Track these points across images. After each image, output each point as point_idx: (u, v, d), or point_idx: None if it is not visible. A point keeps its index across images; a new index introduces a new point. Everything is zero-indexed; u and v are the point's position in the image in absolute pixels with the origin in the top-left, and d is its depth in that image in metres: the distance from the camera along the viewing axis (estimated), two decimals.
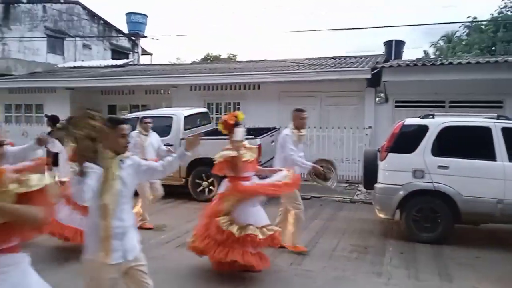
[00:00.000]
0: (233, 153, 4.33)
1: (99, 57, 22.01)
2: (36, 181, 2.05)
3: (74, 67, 18.31)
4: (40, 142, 4.42)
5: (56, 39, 20.47)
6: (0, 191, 1.93)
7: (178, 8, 71.07)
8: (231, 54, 34.31)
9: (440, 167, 5.74)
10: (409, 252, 5.47)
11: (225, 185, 4.51)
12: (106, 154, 2.80)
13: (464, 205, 5.64)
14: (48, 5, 19.91)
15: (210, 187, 8.53)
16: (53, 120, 6.37)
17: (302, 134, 5.44)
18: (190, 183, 8.78)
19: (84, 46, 21.93)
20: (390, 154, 6.02)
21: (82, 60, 20.62)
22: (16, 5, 18.69)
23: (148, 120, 6.83)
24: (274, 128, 9.51)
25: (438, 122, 5.97)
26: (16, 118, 15.42)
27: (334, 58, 14.39)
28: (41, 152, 5.62)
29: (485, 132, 5.76)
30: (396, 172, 5.96)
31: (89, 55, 21.95)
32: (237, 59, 30.27)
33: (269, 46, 63.22)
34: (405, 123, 6.17)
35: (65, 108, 12.41)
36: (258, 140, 7.94)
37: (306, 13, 69.29)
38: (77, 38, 21.37)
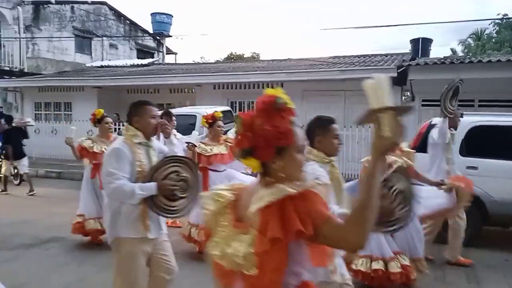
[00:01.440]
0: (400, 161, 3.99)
1: (125, 57, 22.42)
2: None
3: (101, 66, 18.70)
4: None
5: (84, 39, 20.95)
6: None
7: (202, 7, 71.74)
8: (254, 53, 34.48)
9: (468, 167, 5.60)
10: (435, 254, 5.36)
11: None
12: (322, 157, 2.55)
13: (493, 207, 5.50)
14: (76, 5, 20.39)
15: None
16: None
17: (453, 134, 4.97)
18: None
19: (111, 45, 22.35)
20: (417, 154, 5.91)
21: (109, 60, 21.04)
22: (45, 6, 19.21)
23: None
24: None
25: (467, 121, 5.81)
26: (46, 116, 15.85)
27: (359, 56, 14.24)
28: None
29: None
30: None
31: (116, 54, 22.37)
32: (260, 58, 30.32)
33: (293, 45, 63.08)
34: (432, 123, 6.05)
35: (93, 106, 12.67)
36: None
37: (332, 11, 68.75)
38: (104, 38, 21.81)
